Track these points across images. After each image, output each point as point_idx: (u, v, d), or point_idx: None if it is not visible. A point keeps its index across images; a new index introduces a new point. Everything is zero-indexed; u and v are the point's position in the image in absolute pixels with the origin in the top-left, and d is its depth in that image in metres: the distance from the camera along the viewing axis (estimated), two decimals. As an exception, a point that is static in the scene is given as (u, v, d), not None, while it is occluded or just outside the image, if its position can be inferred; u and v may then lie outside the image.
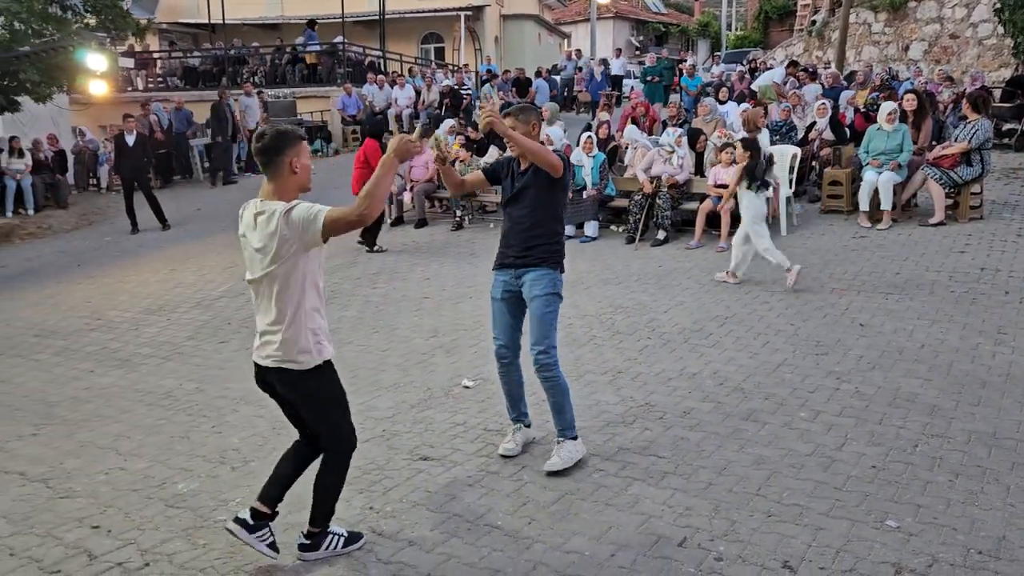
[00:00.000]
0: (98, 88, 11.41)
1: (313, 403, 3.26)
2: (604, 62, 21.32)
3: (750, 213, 7.18)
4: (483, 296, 7.58)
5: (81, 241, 12.31)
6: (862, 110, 11.54)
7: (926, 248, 8.19)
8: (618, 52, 18.97)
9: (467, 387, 5.37)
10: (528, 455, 4.32)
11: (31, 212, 13.75)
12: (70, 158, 15.92)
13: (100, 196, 15.70)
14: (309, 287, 3.14)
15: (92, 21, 13.55)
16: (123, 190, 12.49)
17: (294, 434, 3.50)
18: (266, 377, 3.26)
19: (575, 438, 4.18)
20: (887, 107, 9.34)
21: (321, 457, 3.37)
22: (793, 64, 16.57)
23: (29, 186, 13.75)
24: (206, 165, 16.68)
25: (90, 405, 5.50)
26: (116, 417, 5.25)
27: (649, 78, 18.22)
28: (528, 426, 4.43)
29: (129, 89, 20.17)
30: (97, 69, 10.22)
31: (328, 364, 3.24)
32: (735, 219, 8.92)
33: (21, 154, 13.79)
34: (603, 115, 12.21)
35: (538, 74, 20.30)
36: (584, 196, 9.77)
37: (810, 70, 15.28)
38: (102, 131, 16.55)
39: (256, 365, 3.27)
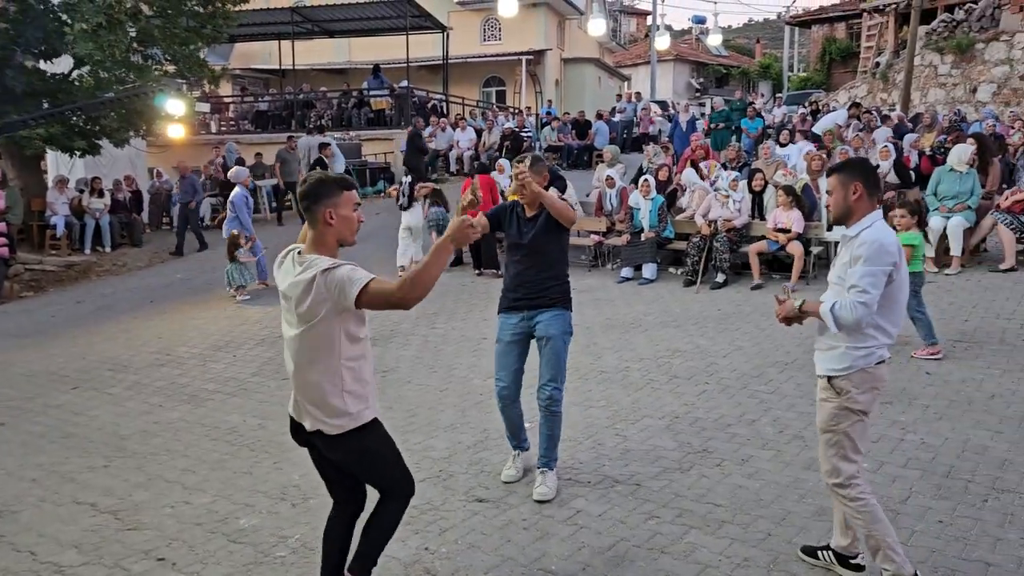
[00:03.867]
0: (176, 132, 11.94)
1: (359, 463, 3.08)
2: (663, 106, 21.02)
3: None
4: (540, 338, 7.66)
5: (154, 278, 12.79)
6: (928, 153, 11.33)
7: (996, 295, 7.95)
8: (686, 107, 18.51)
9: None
10: (583, 499, 4.31)
11: (108, 250, 14.40)
12: (145, 198, 16.62)
13: (173, 235, 16.29)
14: (345, 344, 2.92)
15: (171, 68, 14.24)
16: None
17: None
18: (303, 433, 3.06)
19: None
20: (964, 150, 9.16)
21: (376, 503, 3.17)
22: (856, 105, 16.37)
23: (107, 225, 14.43)
24: (273, 205, 17.22)
25: (159, 439, 5.69)
26: (183, 451, 5.42)
27: (715, 125, 16.39)
28: (527, 449, 4.66)
29: (203, 132, 21.04)
30: (176, 114, 10.70)
31: (373, 423, 3.04)
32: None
33: (101, 194, 14.50)
34: (663, 157, 12.26)
35: (599, 116, 20.45)
36: (642, 238, 9.79)
37: (875, 112, 15.06)
38: (175, 172, 17.26)
39: (292, 419, 3.10)
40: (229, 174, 12.35)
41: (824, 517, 3.98)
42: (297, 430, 3.11)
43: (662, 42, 29.24)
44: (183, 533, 4.19)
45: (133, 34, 13.36)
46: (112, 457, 5.39)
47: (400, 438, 5.29)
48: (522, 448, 4.65)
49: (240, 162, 16.80)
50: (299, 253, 2.99)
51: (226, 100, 23.41)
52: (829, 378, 3.30)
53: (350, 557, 3.20)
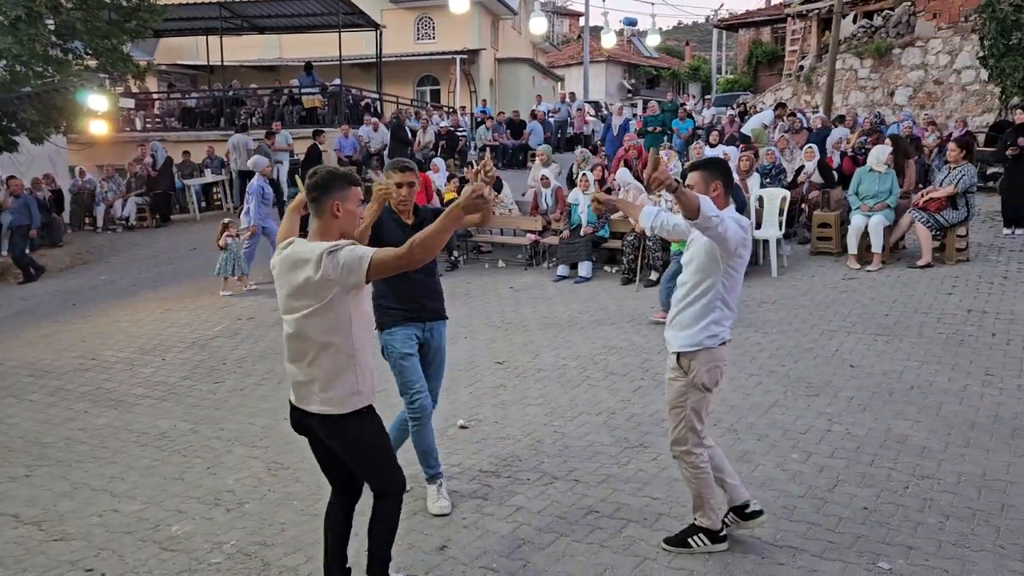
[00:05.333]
0: (99, 128, 11.57)
1: (356, 449, 3.12)
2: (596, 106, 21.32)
3: None
4: (478, 336, 7.67)
5: (76, 280, 12.33)
6: (849, 154, 11.75)
7: (914, 290, 8.30)
8: (620, 110, 18.73)
9: (463, 427, 5.40)
10: (522, 496, 4.34)
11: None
12: (67, 197, 16.01)
13: (96, 235, 15.76)
14: (355, 325, 3.00)
15: (92, 63, 13.75)
16: None
17: (288, 477, 3.52)
18: (305, 421, 3.11)
19: None
20: (882, 151, 9.53)
21: (373, 504, 3.23)
22: (781, 106, 16.87)
23: (25, 225, 13.81)
24: (202, 204, 16.85)
25: (84, 446, 5.50)
26: (110, 458, 5.25)
27: (650, 128, 16.38)
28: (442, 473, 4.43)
29: (128, 129, 20.37)
30: (98, 110, 10.36)
31: (370, 409, 3.12)
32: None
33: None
34: (595, 158, 12.40)
35: (533, 116, 20.57)
36: (581, 233, 9.88)
37: (800, 115, 15.53)
38: (99, 171, 16.69)
39: (293, 407, 3.13)
40: (249, 163, 11.99)
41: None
42: (298, 420, 3.14)
43: (607, 40, 29.61)
44: (112, 542, 4.06)
45: (53, 27, 12.87)
46: (34, 466, 5.19)
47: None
48: (439, 472, 4.34)
49: (264, 153, 16.07)
50: (300, 240, 3.06)
51: (153, 96, 22.72)
52: (678, 356, 3.58)
53: (363, 561, 3.32)
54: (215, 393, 6.52)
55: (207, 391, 6.57)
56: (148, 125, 21.27)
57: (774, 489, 4.29)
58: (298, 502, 4.39)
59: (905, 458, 4.62)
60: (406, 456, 4.02)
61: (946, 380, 5.86)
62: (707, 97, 27.67)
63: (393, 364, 4.16)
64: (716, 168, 3.62)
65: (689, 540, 3.69)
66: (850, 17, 21.12)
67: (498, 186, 11.94)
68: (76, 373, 7.31)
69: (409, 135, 17.14)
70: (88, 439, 5.65)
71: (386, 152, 16.52)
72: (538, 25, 24.32)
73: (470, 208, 2.88)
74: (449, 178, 11.94)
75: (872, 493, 4.21)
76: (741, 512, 3.76)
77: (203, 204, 17.29)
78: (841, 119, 14.28)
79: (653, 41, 32.28)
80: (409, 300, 4.16)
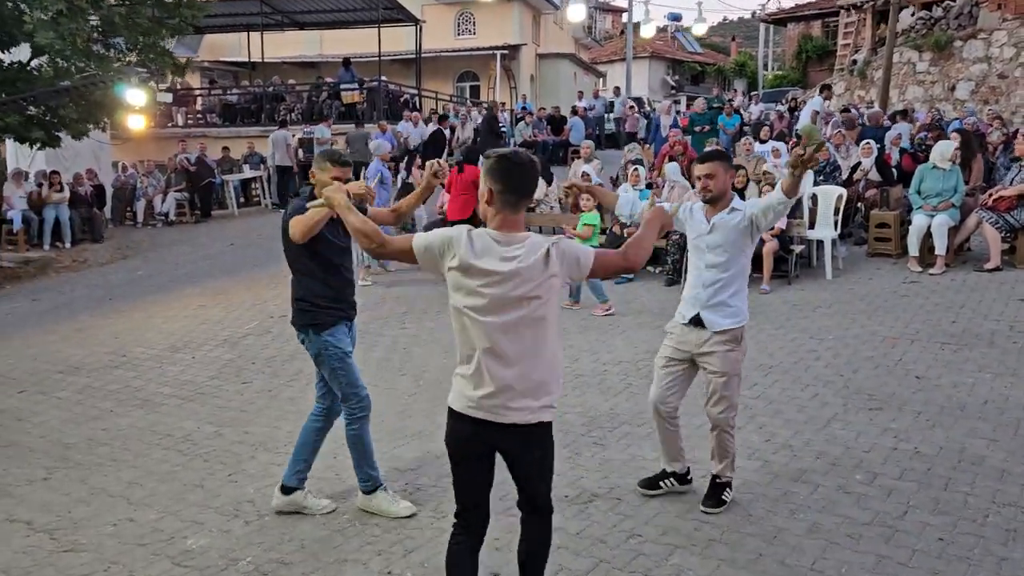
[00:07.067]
0: (136, 123, 11.48)
1: (544, 460, 2.86)
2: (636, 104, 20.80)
3: None
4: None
5: (114, 275, 12.32)
6: (910, 150, 11.17)
7: (983, 295, 7.78)
8: (668, 108, 18.22)
9: None
10: (559, 515, 4.00)
11: (68, 246, 13.87)
12: (109, 192, 16.09)
13: (136, 230, 15.82)
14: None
15: (133, 58, 13.73)
16: None
17: (309, 487, 3.21)
18: (496, 435, 2.72)
19: None
20: (947, 146, 8.99)
21: (533, 526, 2.95)
22: (826, 87, 16.25)
23: (67, 219, 13.90)
24: (240, 200, 16.90)
25: (106, 448, 5.31)
26: (131, 462, 5.04)
27: (697, 128, 15.63)
28: None
29: (169, 125, 20.48)
30: (135, 104, 10.25)
31: None
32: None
33: (61, 188, 13.95)
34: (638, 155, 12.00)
35: (574, 112, 20.20)
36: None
37: (856, 110, 14.92)
38: (141, 166, 16.75)
39: (480, 421, 2.70)
40: (370, 146, 12.02)
41: (818, 534, 3.72)
42: (483, 439, 2.74)
43: (647, 30, 29.05)
44: (123, 555, 3.83)
45: (95, 23, 12.85)
46: (54, 468, 5.01)
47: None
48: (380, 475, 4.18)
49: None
50: (501, 232, 2.69)
51: (195, 92, 22.84)
52: (730, 331, 3.90)
53: None
54: (242, 394, 6.30)
55: (234, 392, 6.36)
56: (189, 121, 21.39)
57: (837, 515, 3.90)
58: (319, 516, 4.12)
59: (982, 482, 4.19)
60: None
61: (1023, 395, 5.38)
62: (754, 93, 26.94)
63: (336, 365, 3.96)
64: (728, 158, 4.05)
65: (723, 496, 4.01)
66: (908, 9, 20.31)
67: (548, 178, 11.69)
68: (106, 370, 7.16)
69: (501, 127, 16.86)
70: (111, 440, 5.46)
71: (478, 144, 16.00)
72: (576, 12, 23.84)
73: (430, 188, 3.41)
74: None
75: (948, 522, 3.80)
76: (683, 478, 4.20)
77: (241, 200, 17.28)
78: (903, 114, 13.63)
79: (700, 30, 31.57)
80: (343, 298, 4.04)
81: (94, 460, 5.12)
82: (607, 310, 7.99)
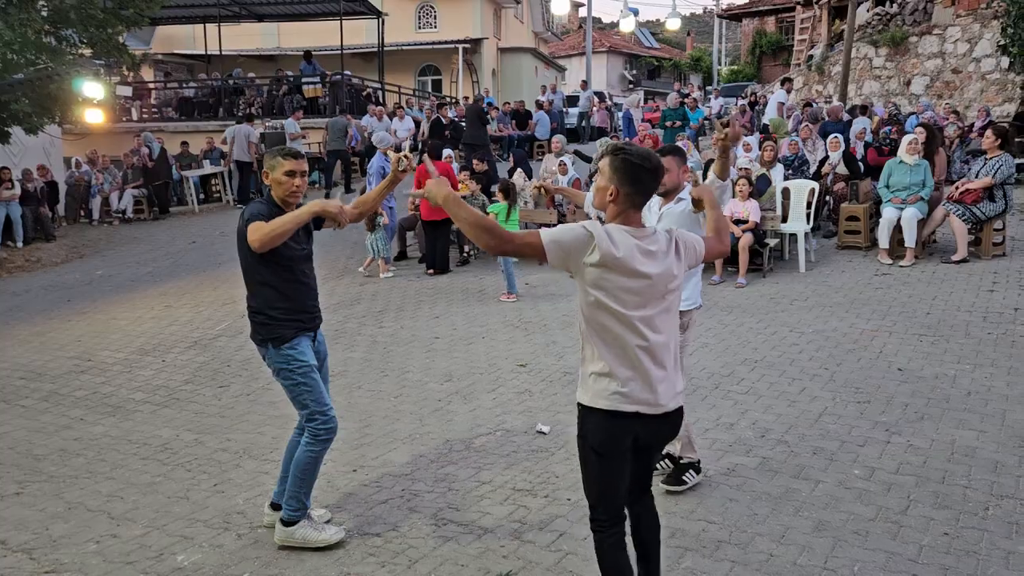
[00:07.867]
0: (95, 117, 11.09)
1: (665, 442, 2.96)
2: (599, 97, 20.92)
3: None
4: (496, 337, 7.26)
5: (71, 275, 11.89)
6: (874, 144, 11.32)
7: (953, 287, 7.90)
8: (638, 102, 18.35)
9: (543, 433, 5.03)
10: (564, 520, 3.94)
11: (20, 245, 13.38)
12: (62, 189, 15.56)
13: (91, 228, 15.33)
14: None
15: (87, 52, 13.26)
16: None
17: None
18: (650, 426, 2.71)
19: None
20: (908, 137, 9.12)
21: (653, 505, 2.97)
22: (787, 80, 16.47)
23: (19, 217, 13.39)
24: (201, 196, 16.45)
25: (80, 459, 5.08)
26: (108, 473, 4.83)
27: (668, 123, 15.71)
28: None
29: (124, 120, 19.89)
30: (94, 97, 9.89)
31: None
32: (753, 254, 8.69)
33: (12, 185, 13.43)
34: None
35: (539, 106, 20.12)
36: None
37: (815, 104, 15.13)
38: (97, 162, 16.23)
39: (633, 416, 2.66)
40: (373, 139, 11.80)
41: (825, 532, 3.71)
42: (652, 430, 2.73)
43: (626, 24, 29.20)
44: (110, 575, 3.65)
45: (46, 14, 12.37)
46: (25, 482, 4.77)
47: (356, 453, 4.86)
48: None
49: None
50: (635, 228, 2.69)
51: (149, 86, 22.21)
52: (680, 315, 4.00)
53: None
54: (220, 399, 6.10)
55: (211, 396, 6.15)
56: (145, 116, 20.82)
57: (841, 511, 3.89)
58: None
59: (979, 474, 4.22)
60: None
61: (1004, 385, 5.46)
62: (713, 87, 27.17)
63: (299, 380, 3.65)
64: (683, 153, 4.29)
65: (684, 477, 4.17)
66: (864, 5, 20.65)
67: (528, 171, 11.67)
68: (71, 376, 6.88)
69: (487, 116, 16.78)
70: (84, 450, 5.22)
71: (466, 133, 15.84)
72: (560, 5, 25.62)
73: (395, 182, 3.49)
74: (461, 169, 11.50)
75: (950, 516, 3.82)
76: (676, 461, 4.28)
77: (202, 196, 16.87)
78: (863, 109, 13.84)
79: (674, 25, 31.73)
80: (303, 309, 3.71)
81: (68, 472, 4.89)
82: (512, 299, 8.53)
